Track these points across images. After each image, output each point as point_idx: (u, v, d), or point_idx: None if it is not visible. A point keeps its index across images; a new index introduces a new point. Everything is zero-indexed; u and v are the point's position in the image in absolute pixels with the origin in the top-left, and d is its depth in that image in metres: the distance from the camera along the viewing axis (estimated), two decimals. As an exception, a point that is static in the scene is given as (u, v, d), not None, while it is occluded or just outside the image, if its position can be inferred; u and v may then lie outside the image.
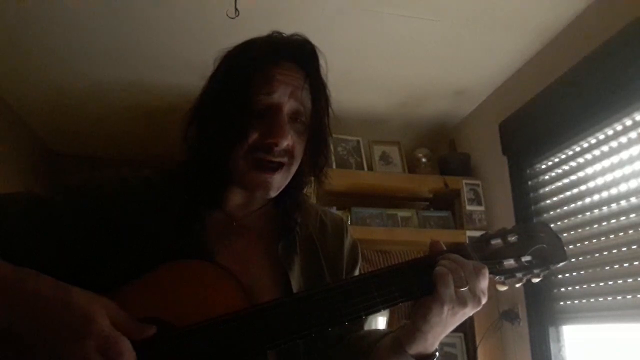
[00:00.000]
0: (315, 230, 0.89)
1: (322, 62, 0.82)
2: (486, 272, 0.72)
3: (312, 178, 0.87)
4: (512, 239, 0.78)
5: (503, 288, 0.79)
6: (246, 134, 0.75)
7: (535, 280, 0.79)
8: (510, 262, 0.77)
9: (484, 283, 0.72)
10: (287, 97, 0.77)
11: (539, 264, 0.77)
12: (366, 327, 0.92)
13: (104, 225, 0.74)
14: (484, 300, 0.72)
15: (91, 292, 0.61)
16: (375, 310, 0.71)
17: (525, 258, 0.77)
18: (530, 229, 0.80)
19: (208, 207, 0.81)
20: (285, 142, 0.76)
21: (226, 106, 0.76)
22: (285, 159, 0.78)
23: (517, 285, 0.79)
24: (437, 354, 0.76)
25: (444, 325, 0.72)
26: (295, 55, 0.80)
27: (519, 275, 0.77)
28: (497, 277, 0.78)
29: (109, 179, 0.80)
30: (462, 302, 0.70)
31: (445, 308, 0.70)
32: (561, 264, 0.78)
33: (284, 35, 0.82)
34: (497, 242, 0.78)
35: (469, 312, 0.71)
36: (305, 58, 0.81)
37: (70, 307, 0.58)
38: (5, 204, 0.73)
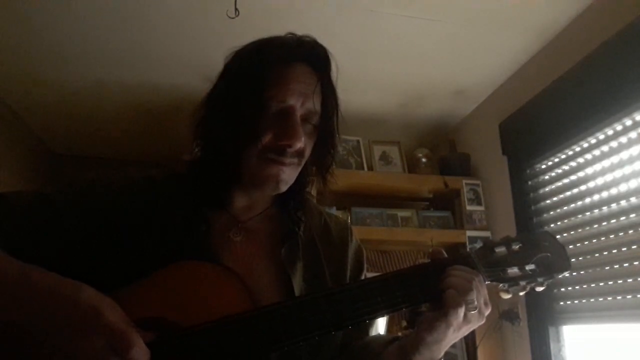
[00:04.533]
0: (318, 234, 0.89)
1: (333, 65, 0.83)
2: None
3: (316, 177, 0.88)
4: (516, 247, 0.78)
5: (507, 296, 0.79)
6: (260, 135, 0.76)
7: (539, 288, 0.79)
8: (514, 270, 0.77)
9: (486, 295, 0.73)
10: (300, 100, 0.78)
11: (542, 272, 0.78)
12: (370, 333, 0.92)
13: (109, 224, 0.74)
14: (487, 313, 0.73)
15: (98, 291, 0.61)
16: (378, 315, 0.72)
17: (529, 266, 0.77)
18: (534, 238, 0.80)
19: (213, 209, 0.81)
20: (299, 145, 0.77)
21: (240, 106, 0.76)
22: (295, 160, 0.79)
23: (521, 294, 0.80)
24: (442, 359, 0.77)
25: (448, 340, 0.73)
26: (310, 57, 0.81)
27: (522, 283, 0.78)
28: (501, 285, 0.78)
29: (115, 179, 0.80)
30: (468, 322, 0.71)
31: (451, 329, 0.71)
32: (565, 273, 0.78)
33: (297, 36, 0.83)
34: (501, 250, 0.78)
35: (473, 327, 0.73)
36: (319, 61, 0.82)
37: (78, 303, 0.58)
38: (11, 202, 0.73)
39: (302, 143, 0.77)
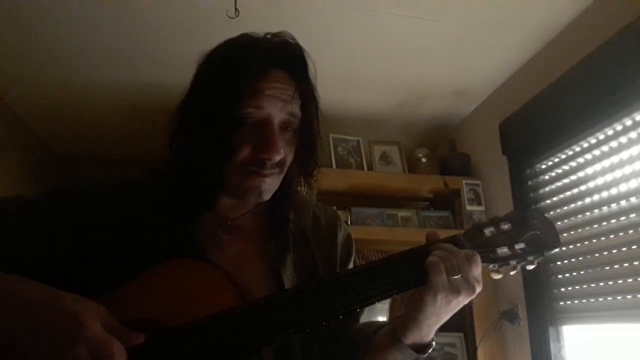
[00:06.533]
0: (308, 227, 0.89)
1: (310, 64, 0.80)
2: (478, 259, 0.72)
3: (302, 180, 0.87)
4: (505, 226, 0.78)
5: (498, 276, 0.79)
6: (237, 149, 0.75)
7: (530, 267, 0.79)
8: (503, 250, 0.77)
9: (476, 270, 0.72)
10: (278, 108, 0.75)
11: (532, 250, 0.77)
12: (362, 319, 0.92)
13: (94, 227, 0.73)
14: (478, 289, 0.72)
15: (81, 297, 0.60)
16: (369, 302, 0.71)
17: (519, 245, 0.77)
18: (522, 216, 0.79)
19: (200, 209, 0.81)
20: (278, 157, 0.76)
21: (215, 118, 0.75)
22: (276, 170, 0.78)
23: (512, 273, 0.79)
24: (434, 343, 0.76)
25: (438, 314, 0.72)
26: (285, 62, 0.78)
27: (512, 262, 0.77)
28: (491, 266, 0.77)
29: (99, 182, 0.80)
30: (455, 290, 0.70)
31: (439, 297, 0.70)
32: (555, 249, 0.78)
33: (270, 39, 0.80)
34: (490, 230, 0.78)
35: (463, 300, 0.72)
36: (295, 66, 0.79)
37: (60, 312, 0.57)
38: None
39: (281, 155, 0.76)
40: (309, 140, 0.82)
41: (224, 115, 0.74)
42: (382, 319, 2.12)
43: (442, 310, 0.72)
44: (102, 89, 2.41)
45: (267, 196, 0.79)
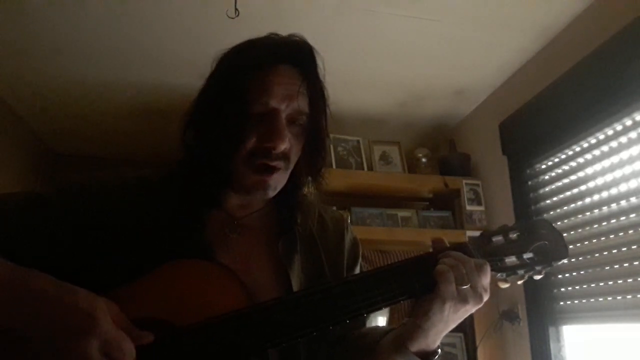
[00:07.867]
0: (315, 228, 0.89)
1: (319, 63, 0.82)
2: (488, 268, 0.72)
3: (310, 179, 0.87)
4: (514, 236, 0.78)
5: (505, 285, 0.79)
6: (244, 139, 0.76)
7: (537, 277, 0.79)
8: (511, 259, 0.77)
9: (485, 280, 0.72)
10: (285, 102, 0.77)
11: (540, 260, 0.77)
12: (367, 325, 0.92)
13: (101, 225, 0.73)
14: (485, 297, 0.72)
15: (93, 293, 0.60)
16: (376, 308, 0.71)
17: (527, 255, 0.77)
18: (531, 226, 0.80)
19: (208, 207, 0.81)
20: (283, 146, 0.76)
21: (224, 111, 0.76)
22: (281, 163, 0.78)
23: (519, 282, 0.79)
24: (440, 351, 0.76)
25: (445, 322, 0.72)
26: (293, 57, 0.80)
27: (520, 272, 0.77)
28: (499, 275, 0.77)
29: (107, 179, 0.80)
30: (463, 299, 0.70)
31: (447, 305, 0.70)
32: (563, 260, 0.77)
33: (281, 36, 0.81)
34: (498, 239, 0.78)
35: (470, 309, 0.71)
36: (304, 60, 0.80)
37: (73, 307, 0.58)
38: (3, 203, 0.73)
39: (287, 144, 0.77)
40: (317, 137, 0.82)
41: (233, 107, 0.75)
42: (382, 318, 2.13)
43: (449, 318, 0.71)
44: (102, 89, 2.41)
45: (272, 193, 0.79)
